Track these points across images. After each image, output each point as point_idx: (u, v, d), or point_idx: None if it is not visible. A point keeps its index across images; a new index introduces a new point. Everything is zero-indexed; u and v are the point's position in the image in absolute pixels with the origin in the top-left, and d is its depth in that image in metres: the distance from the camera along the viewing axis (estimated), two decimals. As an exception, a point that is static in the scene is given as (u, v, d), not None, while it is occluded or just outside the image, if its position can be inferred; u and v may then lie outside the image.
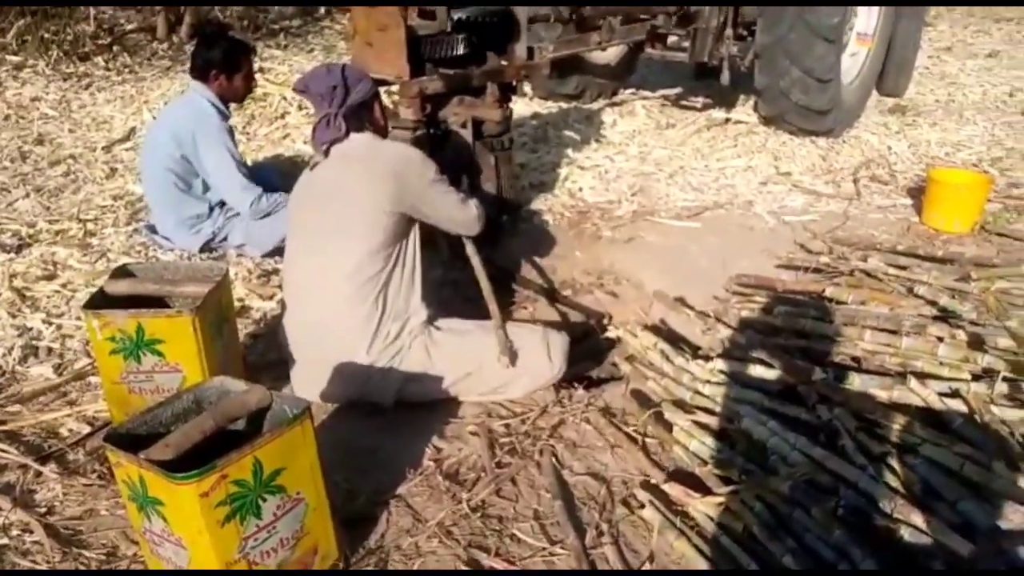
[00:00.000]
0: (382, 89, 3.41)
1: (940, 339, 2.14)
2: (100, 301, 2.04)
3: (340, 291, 2.13)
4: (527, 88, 5.78)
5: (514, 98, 5.50)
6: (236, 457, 1.42)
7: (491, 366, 2.21)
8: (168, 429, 1.56)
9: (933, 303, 2.39)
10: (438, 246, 2.86)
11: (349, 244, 2.14)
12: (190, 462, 1.40)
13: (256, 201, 3.19)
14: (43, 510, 1.87)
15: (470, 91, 3.29)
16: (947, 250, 3.29)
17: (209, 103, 3.19)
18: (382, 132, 2.38)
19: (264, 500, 1.48)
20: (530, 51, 3.56)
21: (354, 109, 2.23)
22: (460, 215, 2.35)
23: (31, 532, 1.80)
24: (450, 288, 3.04)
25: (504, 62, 3.44)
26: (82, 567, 1.71)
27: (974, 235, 3.52)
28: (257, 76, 5.43)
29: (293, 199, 2.36)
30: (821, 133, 4.81)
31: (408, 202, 2.19)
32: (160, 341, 1.98)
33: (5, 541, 1.78)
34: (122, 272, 2.16)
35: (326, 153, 2.23)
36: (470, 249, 2.66)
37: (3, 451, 2.05)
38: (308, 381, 2.22)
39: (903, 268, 2.73)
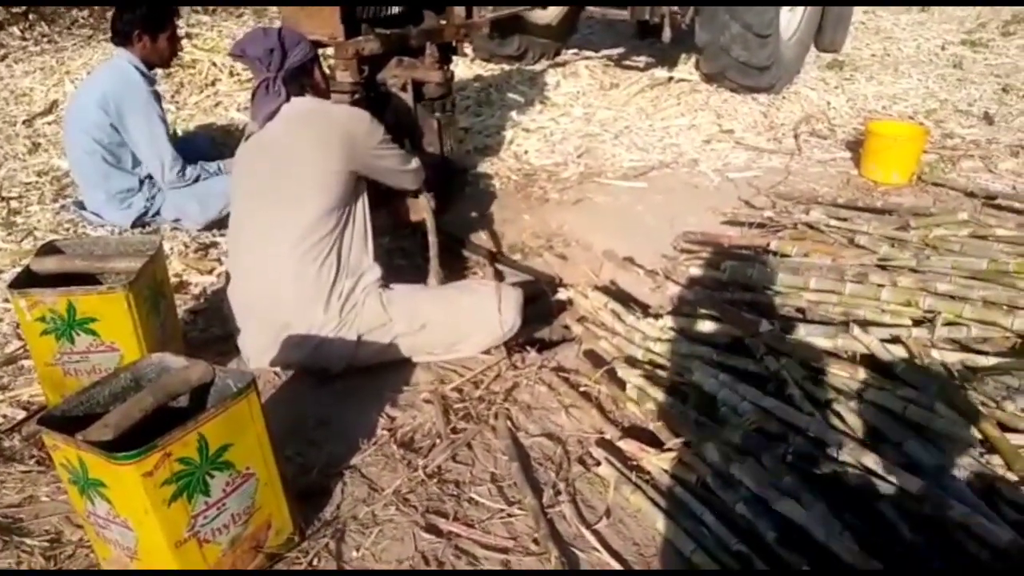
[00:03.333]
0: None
1: (882, 286, 2.18)
2: (27, 280, 1.94)
3: (292, 254, 2.08)
4: (468, 49, 5.69)
5: (455, 60, 5.43)
6: (179, 434, 1.37)
7: (446, 320, 2.22)
8: (106, 409, 1.50)
9: (874, 252, 2.44)
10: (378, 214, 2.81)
11: (300, 206, 2.10)
12: (133, 442, 1.35)
13: (180, 173, 3.08)
14: (-21, 500, 1.79)
15: (409, 52, 3.20)
16: (886, 201, 3.37)
17: (134, 68, 3.05)
18: (323, 95, 2.34)
19: (212, 477, 1.44)
20: (469, 10, 3.49)
21: (293, 72, 2.18)
22: (405, 170, 2.38)
23: (-33, 523, 1.72)
24: (399, 255, 3.00)
25: (443, 21, 3.36)
26: (25, 555, 1.64)
27: (911, 186, 3.60)
28: (185, 42, 5.23)
29: (236, 167, 2.30)
30: (761, 89, 4.85)
31: (359, 161, 2.18)
32: (93, 319, 1.90)
33: (-61, 534, 1.70)
34: (49, 249, 2.06)
35: (265, 121, 2.16)
36: (423, 200, 2.66)
37: (-69, 441, 1.95)
38: (258, 348, 2.18)
39: (844, 220, 2.77)
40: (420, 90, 3.15)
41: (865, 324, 2.06)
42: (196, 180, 3.16)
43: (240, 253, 2.23)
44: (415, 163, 2.44)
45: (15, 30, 6.13)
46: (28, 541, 1.67)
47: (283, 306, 2.11)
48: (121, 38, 3.08)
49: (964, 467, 1.59)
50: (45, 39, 6.07)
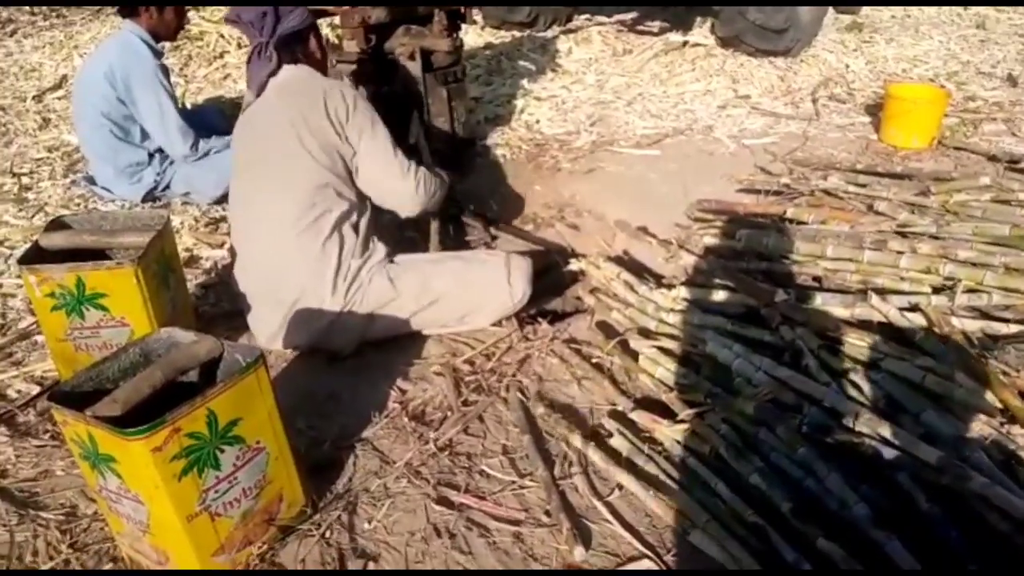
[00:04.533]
0: (325, 21, 3.27)
1: (900, 253, 2.14)
2: (36, 256, 1.94)
3: (291, 232, 2.04)
4: (477, 16, 5.61)
5: (464, 27, 5.36)
6: (188, 410, 1.36)
7: (456, 293, 2.18)
8: (115, 384, 1.49)
9: (893, 218, 2.39)
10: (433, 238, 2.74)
11: (291, 182, 2.05)
12: (142, 417, 1.35)
13: (192, 146, 3.06)
14: (-5, 474, 1.81)
15: (416, 20, 3.16)
16: (906, 166, 3.30)
17: (141, 40, 3.03)
18: (319, 67, 2.26)
19: (222, 451, 1.44)
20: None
21: (286, 39, 2.13)
22: (397, 171, 2.15)
23: (-16, 497, 1.73)
24: (410, 227, 2.97)
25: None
26: (41, 528, 1.65)
27: (932, 150, 3.53)
28: (192, 14, 5.19)
29: (234, 141, 2.26)
30: (779, 53, 4.75)
31: (344, 137, 2.08)
32: (103, 295, 1.90)
33: (-43, 508, 1.71)
34: (58, 224, 2.06)
35: (259, 91, 2.13)
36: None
37: (-52, 416, 1.96)
38: (269, 332, 2.15)
39: (863, 186, 2.71)
40: (429, 59, 3.11)
41: (883, 292, 2.02)
42: (208, 153, 3.14)
43: (240, 231, 2.19)
44: (413, 182, 2.17)
45: (24, 6, 6.11)
46: (44, 515, 1.69)
47: (288, 287, 2.08)
48: (128, 10, 3.06)
49: (983, 437, 1.56)
50: (54, 14, 6.05)
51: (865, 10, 6.06)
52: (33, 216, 3.00)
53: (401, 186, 2.17)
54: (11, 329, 2.34)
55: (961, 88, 4.38)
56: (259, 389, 1.49)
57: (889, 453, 1.54)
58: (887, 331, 1.90)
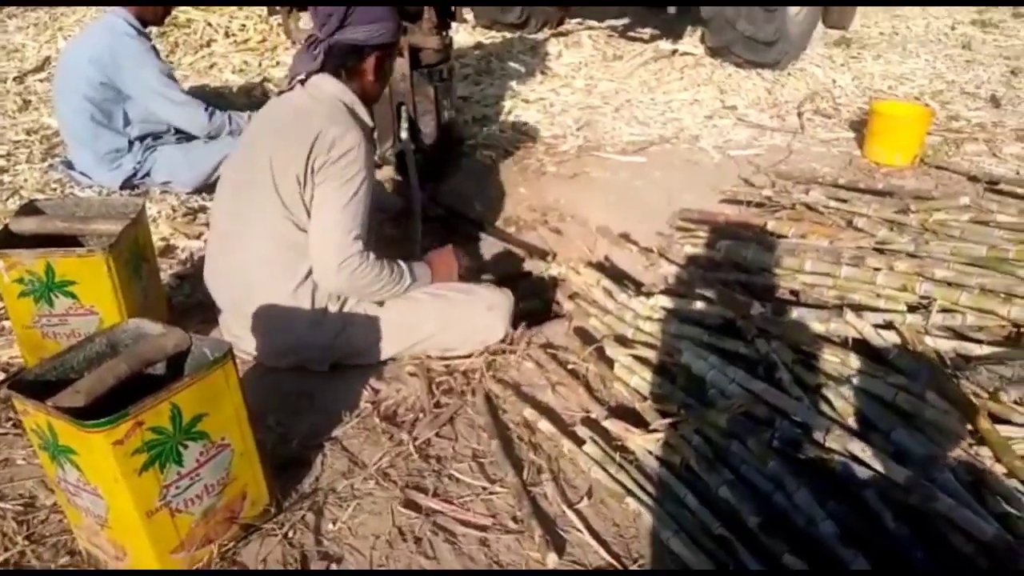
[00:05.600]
0: (307, 15, 3.22)
1: (878, 270, 2.14)
2: (6, 241, 1.90)
3: (266, 255, 1.94)
4: (468, 16, 5.59)
5: (455, 26, 5.33)
6: (151, 403, 1.34)
7: (436, 337, 2.10)
8: (80, 375, 1.46)
9: (872, 235, 2.39)
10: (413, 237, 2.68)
11: (270, 202, 1.91)
12: (106, 410, 1.32)
13: (207, 116, 3.04)
14: (-47, 462, 1.77)
15: (406, 17, 3.13)
16: (888, 183, 3.32)
17: (128, 24, 2.99)
18: (366, 93, 2.04)
19: (185, 447, 1.41)
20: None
21: (342, 48, 1.95)
22: (329, 245, 1.91)
23: (-60, 485, 1.70)
24: (389, 225, 2.94)
25: None
26: (-3, 520, 1.62)
27: (914, 168, 3.55)
28: (181, 1, 5.13)
29: (247, 130, 2.16)
30: (767, 65, 4.77)
31: (317, 179, 1.90)
32: (72, 282, 1.86)
33: (-87, 496, 1.67)
34: (30, 209, 2.02)
35: (290, 84, 2.02)
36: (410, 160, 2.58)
37: (-92, 402, 1.92)
38: (239, 342, 2.04)
39: (844, 201, 2.73)
40: (417, 56, 3.08)
41: (859, 308, 2.02)
42: (224, 126, 3.10)
43: (216, 233, 2.09)
44: (351, 261, 1.90)
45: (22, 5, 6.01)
46: (2, 504, 1.65)
47: (260, 314, 1.97)
48: None
49: (952, 458, 1.57)
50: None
51: (854, 26, 6.11)
52: (7, 199, 2.95)
53: (326, 257, 1.91)
54: (-21, 314, 2.30)
55: (945, 107, 4.42)
56: (226, 385, 1.47)
57: (858, 471, 1.54)
58: (862, 348, 1.91)
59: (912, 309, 2.03)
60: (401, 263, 2.06)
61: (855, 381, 1.77)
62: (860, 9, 6.35)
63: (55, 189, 3.06)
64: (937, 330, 1.96)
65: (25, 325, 1.92)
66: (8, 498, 1.68)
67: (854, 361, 1.81)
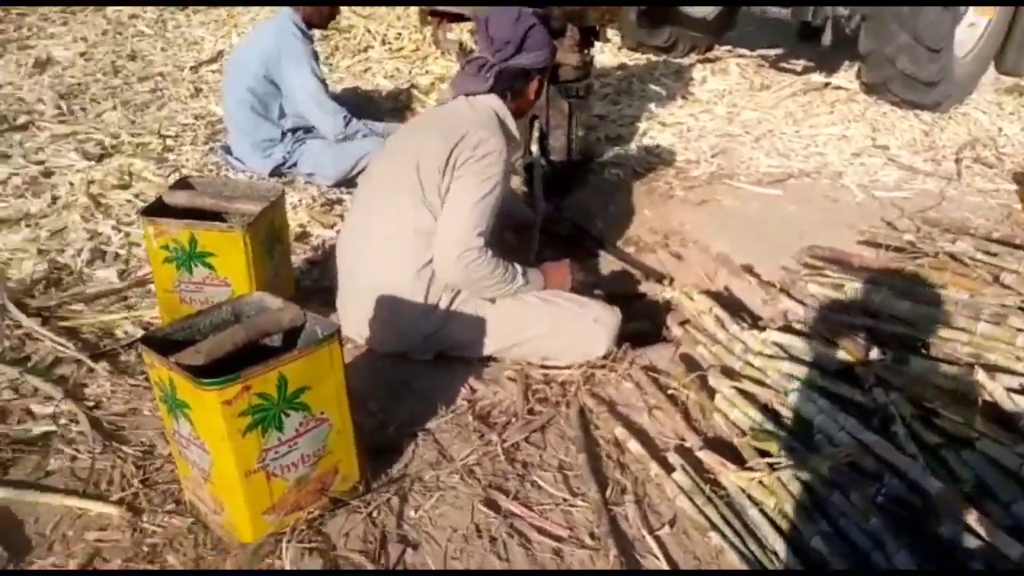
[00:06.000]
0: (458, 26, 3.34)
1: (1020, 331, 1.97)
2: (159, 210, 2.08)
3: (394, 244, 2.05)
4: (612, 36, 5.59)
5: (600, 46, 5.36)
6: (261, 370, 1.43)
7: (539, 340, 2.13)
8: (204, 338, 1.58)
9: (1020, 294, 2.20)
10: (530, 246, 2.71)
11: (411, 187, 2.04)
12: (222, 372, 1.41)
13: (344, 123, 3.22)
14: (91, 404, 1.95)
15: (551, 32, 3.19)
16: (1048, 242, 3.04)
17: (295, 25, 3.22)
18: (519, 108, 2.22)
19: (287, 416, 1.49)
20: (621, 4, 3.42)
21: (512, 72, 2.11)
22: (452, 237, 2.01)
23: (77, 423, 1.87)
24: (509, 232, 2.99)
25: (588, 4, 3.31)
26: (120, 460, 1.77)
27: (1082, 229, 3.24)
28: (343, 7, 5.44)
29: (399, 132, 2.32)
30: (926, 106, 4.49)
31: (455, 175, 2.03)
32: (211, 254, 2.02)
33: (53, 428, 1.86)
34: (183, 184, 2.20)
35: (455, 95, 2.18)
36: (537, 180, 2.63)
37: (62, 346, 2.13)
38: (354, 326, 2.16)
39: (993, 255, 2.52)
40: (556, 72, 3.13)
41: (994, 369, 1.87)
42: (356, 133, 3.28)
43: (352, 226, 2.22)
44: (470, 254, 1.99)
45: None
46: (125, 448, 1.81)
47: (376, 296, 2.07)
48: None
49: (1080, 542, 1.41)
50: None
51: (1032, 73, 5.65)
52: (169, 175, 3.22)
53: (449, 246, 2.00)
54: (131, 275, 2.52)
55: None
56: (330, 362, 1.54)
57: (967, 540, 1.43)
58: (991, 411, 1.76)
59: (1058, 376, 1.86)
60: (517, 266, 2.13)
61: (978, 445, 1.63)
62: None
63: (211, 170, 3.32)
64: (1084, 403, 1.78)
65: (166, 289, 2.09)
66: (131, 444, 1.83)
67: (980, 424, 1.67)
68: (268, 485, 1.51)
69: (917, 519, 1.52)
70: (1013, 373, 1.87)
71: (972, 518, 1.48)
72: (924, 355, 1.98)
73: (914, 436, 1.70)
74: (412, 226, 2.05)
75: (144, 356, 1.53)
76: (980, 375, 1.78)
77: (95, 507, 1.64)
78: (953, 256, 2.56)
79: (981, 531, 1.45)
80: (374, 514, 1.64)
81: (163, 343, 1.54)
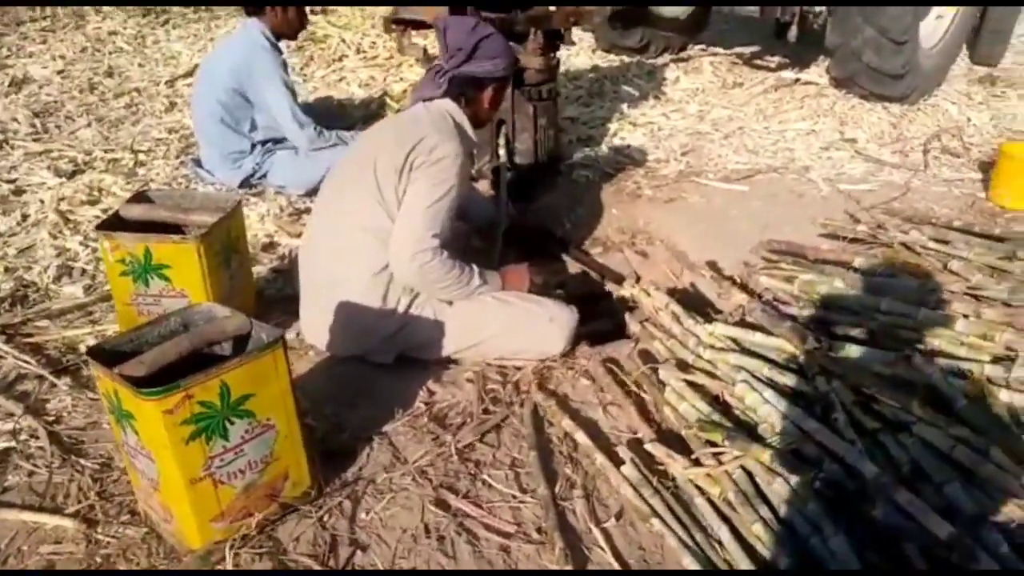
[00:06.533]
0: (419, 33, 3.37)
1: (966, 316, 2.00)
2: (115, 224, 2.11)
3: (353, 244, 2.10)
4: (581, 38, 5.63)
5: (574, 49, 5.39)
6: (202, 379, 1.46)
7: (497, 340, 2.18)
8: (152, 348, 1.61)
9: (967, 280, 2.24)
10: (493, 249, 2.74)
11: (369, 190, 2.09)
12: (168, 382, 1.44)
13: (317, 135, 3.25)
14: (52, 419, 1.98)
15: (514, 36, 3.22)
16: (1008, 229, 3.07)
17: (264, 37, 3.25)
18: (477, 117, 2.26)
19: (231, 423, 1.52)
20: (582, 4, 3.45)
21: (464, 78, 2.17)
22: (406, 241, 2.05)
23: (37, 438, 1.90)
24: (475, 236, 3.02)
25: (552, 8, 3.35)
26: (77, 474, 1.80)
27: (1046, 215, 3.27)
28: (319, 18, 5.49)
29: (363, 134, 2.37)
30: (894, 99, 4.53)
31: (410, 180, 2.07)
32: (167, 266, 2.05)
33: (13, 444, 1.89)
34: (140, 198, 2.23)
35: (413, 103, 2.25)
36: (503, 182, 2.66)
37: (25, 362, 2.16)
38: (315, 329, 2.21)
39: (945, 243, 2.56)
40: (520, 75, 3.16)
41: (933, 354, 1.90)
42: (332, 141, 3.32)
43: (312, 230, 2.26)
44: (424, 257, 2.03)
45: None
46: (83, 462, 1.83)
47: (336, 299, 2.11)
48: (254, 9, 3.28)
49: (1009, 519, 1.44)
50: (204, 8, 6.52)
51: (1004, 63, 5.69)
52: (139, 189, 3.25)
53: (403, 247, 2.04)
54: (97, 290, 2.55)
55: (1095, 152, 4.04)
56: (275, 369, 1.57)
57: (901, 522, 1.46)
58: (931, 396, 1.78)
59: (997, 360, 1.88)
60: (474, 267, 2.17)
61: (914, 429, 1.66)
62: (1014, 46, 5.92)
63: (181, 183, 3.35)
64: (1021, 385, 1.80)
65: (124, 302, 2.12)
66: (90, 457, 1.86)
67: (916, 408, 1.70)
68: (215, 492, 1.54)
69: (853, 503, 1.55)
70: (955, 358, 1.90)
71: (906, 500, 1.51)
72: (864, 342, 2.01)
73: (854, 422, 1.73)
74: (369, 228, 2.09)
75: (92, 368, 1.56)
76: (917, 360, 1.81)
77: (51, 520, 1.66)
78: (906, 245, 2.59)
79: (914, 512, 1.48)
80: (325, 518, 1.67)
81: (111, 355, 1.56)
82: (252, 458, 1.58)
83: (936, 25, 4.72)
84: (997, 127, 4.43)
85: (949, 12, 4.80)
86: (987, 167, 3.76)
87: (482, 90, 2.23)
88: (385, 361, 2.19)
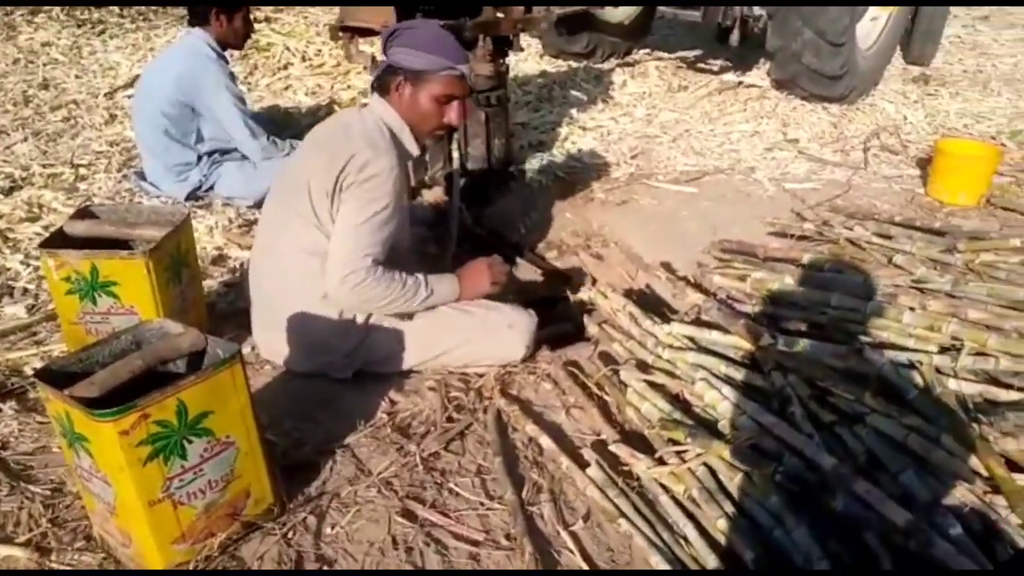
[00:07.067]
0: (366, 41, 3.35)
1: (912, 308, 2.07)
2: (59, 242, 2.05)
3: (298, 267, 2.04)
4: (529, 45, 5.67)
5: (523, 54, 5.42)
6: (158, 397, 1.42)
7: (458, 350, 2.16)
8: (104, 368, 1.56)
9: (911, 273, 2.31)
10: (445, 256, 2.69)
11: (305, 212, 2.02)
12: (122, 402, 1.40)
13: (268, 145, 3.20)
14: (-3, 445, 1.90)
15: (463, 44, 3.22)
16: (946, 222, 3.20)
17: (209, 47, 3.18)
18: (415, 125, 2.09)
19: (190, 442, 1.48)
20: (528, 5, 3.48)
21: (387, 69, 2.05)
22: (338, 262, 1.98)
23: (-18, 465, 1.82)
24: (432, 243, 3.01)
25: (500, 15, 3.36)
26: (27, 501, 1.73)
27: (980, 208, 3.41)
28: (263, 26, 5.41)
29: (302, 141, 2.26)
30: (833, 99, 4.67)
31: (342, 199, 1.99)
32: (115, 283, 1.99)
33: (-44, 473, 1.81)
34: (84, 213, 2.17)
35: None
36: (455, 190, 2.64)
37: (-34, 387, 2.07)
38: (270, 347, 2.16)
39: (888, 238, 2.64)
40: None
41: (883, 346, 1.96)
42: (281, 153, 3.27)
43: (261, 239, 2.20)
44: (355, 277, 1.96)
45: (115, 7, 6.45)
46: (33, 488, 1.76)
47: (287, 316, 2.06)
48: (198, 18, 3.21)
49: (963, 504, 1.49)
50: (141, 17, 6.36)
51: (936, 62, 5.92)
52: (81, 205, 3.15)
53: (334, 269, 1.98)
54: (40, 310, 2.47)
55: (1023, 148, 4.22)
56: (233, 385, 1.54)
57: (860, 511, 1.49)
58: (883, 387, 1.84)
59: (944, 351, 1.95)
60: (420, 278, 2.10)
61: (868, 420, 1.71)
62: (944, 46, 6.16)
63: (124, 197, 3.26)
64: (968, 373, 1.88)
65: (71, 321, 2.05)
66: (40, 482, 1.79)
67: (869, 399, 1.75)
68: (175, 514, 1.50)
69: (813, 494, 1.58)
70: (904, 349, 1.96)
71: (864, 489, 1.55)
72: (818, 336, 2.06)
73: (810, 415, 1.77)
74: (311, 251, 2.02)
75: (40, 390, 1.51)
76: (868, 353, 1.87)
77: (1, 551, 1.60)
78: (851, 241, 2.67)
79: (872, 501, 1.52)
80: (290, 535, 1.64)
81: (60, 376, 1.51)
82: (212, 477, 1.54)
83: (871, 27, 4.88)
84: (932, 124, 4.60)
85: (883, 14, 4.97)
86: (924, 163, 3.90)
87: (401, 85, 2.04)
88: (344, 376, 2.15)
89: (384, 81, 2.08)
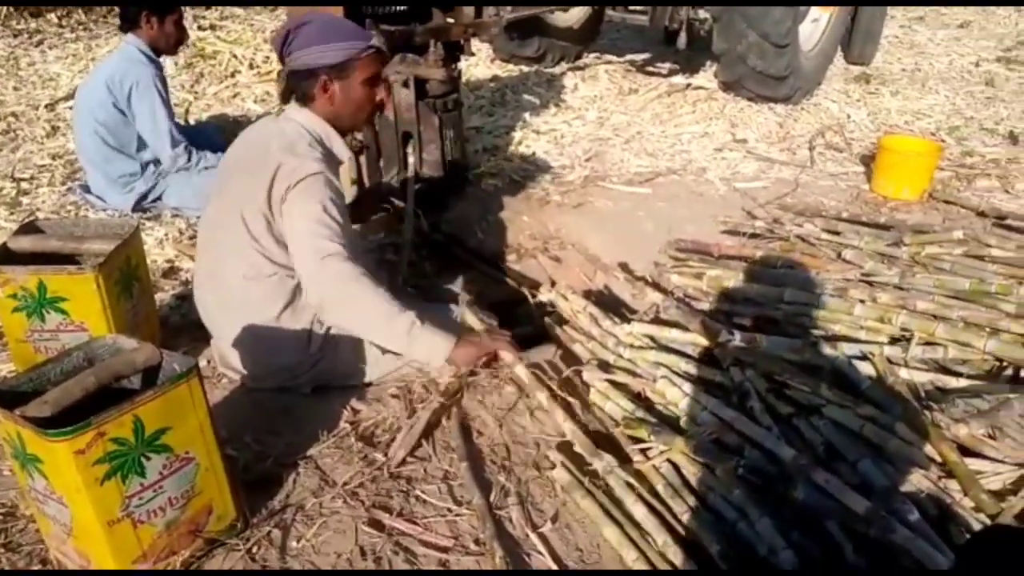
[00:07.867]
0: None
1: (862, 301, 2.13)
2: (3, 257, 1.98)
3: (243, 295, 1.98)
4: (475, 48, 5.68)
5: (474, 59, 5.43)
6: (114, 415, 1.38)
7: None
8: (56, 387, 1.51)
9: (860, 267, 2.38)
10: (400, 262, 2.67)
11: (240, 237, 1.93)
12: (75, 421, 1.36)
13: (180, 154, 3.14)
14: (-57, 471, 1.83)
15: (414, 49, 3.22)
16: (892, 217, 3.29)
17: (140, 51, 3.12)
18: (340, 123, 2.01)
19: (148, 459, 1.45)
20: (478, 10, 3.49)
21: (296, 74, 1.94)
22: (305, 258, 1.90)
23: (-73, 493, 1.75)
24: (390, 250, 3.00)
25: (451, 20, 3.37)
26: (-23, 527, 1.67)
27: (923, 203, 3.52)
28: (208, 33, 5.33)
29: (226, 153, 2.16)
30: (779, 99, 4.78)
31: (284, 210, 1.90)
32: (63, 299, 1.93)
33: (-100, 502, 1.73)
34: (29, 228, 2.10)
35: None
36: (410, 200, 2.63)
37: (-94, 411, 1.99)
38: (227, 363, 2.11)
39: (837, 234, 2.71)
40: (423, 87, 3.16)
41: (836, 339, 2.01)
42: (198, 164, 3.20)
43: (202, 260, 2.13)
44: (326, 263, 1.86)
45: (53, 17, 6.28)
46: (-18, 513, 1.70)
47: (246, 337, 2.00)
48: (129, 23, 3.16)
49: (919, 490, 1.54)
50: (81, 27, 6.22)
51: (876, 62, 6.10)
52: (23, 220, 3.06)
53: (307, 263, 1.90)
54: (-17, 329, 2.38)
55: (961, 143, 4.38)
56: (191, 400, 1.50)
57: (821, 501, 1.53)
58: (838, 379, 1.89)
59: (894, 341, 2.01)
60: (411, 312, 1.95)
61: (824, 411, 1.75)
62: (883, 45, 6.34)
63: (70, 211, 3.17)
64: (917, 363, 1.94)
65: (18, 339, 1.99)
66: (-10, 507, 1.73)
67: (825, 391, 1.79)
68: (135, 533, 1.46)
69: (775, 486, 1.62)
70: (856, 341, 2.01)
71: (824, 479, 1.58)
72: (774, 331, 2.11)
73: (769, 408, 1.81)
74: (254, 277, 1.96)
75: (-12, 412, 1.45)
76: (823, 346, 1.92)
77: (-49, 579, 1.54)
78: (801, 238, 2.74)
79: (832, 491, 1.55)
80: (254, 550, 1.61)
81: (10, 396, 1.46)
82: (172, 494, 1.51)
83: (813, 28, 5.01)
84: (874, 122, 4.74)
85: (824, 15, 5.10)
86: (868, 160, 4.02)
87: (317, 83, 1.93)
88: (304, 391, 2.12)
89: (304, 88, 1.96)
